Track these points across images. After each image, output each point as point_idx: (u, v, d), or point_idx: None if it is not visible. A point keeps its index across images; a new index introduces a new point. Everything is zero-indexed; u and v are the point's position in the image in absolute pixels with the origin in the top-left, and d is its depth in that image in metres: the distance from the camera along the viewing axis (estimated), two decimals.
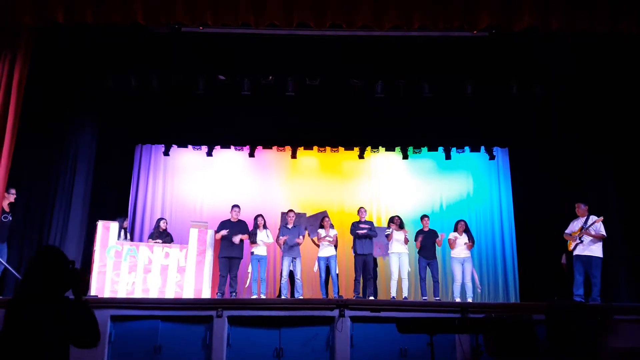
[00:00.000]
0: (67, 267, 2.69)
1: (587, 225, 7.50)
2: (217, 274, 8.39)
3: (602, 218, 7.48)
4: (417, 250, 8.80)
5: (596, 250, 7.45)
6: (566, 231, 7.83)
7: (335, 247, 8.69)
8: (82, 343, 2.62)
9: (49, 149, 8.28)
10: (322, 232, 8.68)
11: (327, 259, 8.54)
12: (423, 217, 9.05)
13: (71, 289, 2.69)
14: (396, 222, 8.71)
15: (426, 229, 8.82)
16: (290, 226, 8.63)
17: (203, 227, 8.62)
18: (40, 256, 2.73)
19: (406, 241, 8.64)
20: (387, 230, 8.75)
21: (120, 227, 8.42)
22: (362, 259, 8.53)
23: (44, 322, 2.54)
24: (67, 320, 2.57)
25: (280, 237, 8.55)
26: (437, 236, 8.79)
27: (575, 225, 7.73)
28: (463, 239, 8.63)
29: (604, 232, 7.46)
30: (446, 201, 10.84)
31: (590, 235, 7.45)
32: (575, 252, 7.60)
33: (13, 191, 7.23)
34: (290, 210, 8.92)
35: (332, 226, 8.78)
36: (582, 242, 7.51)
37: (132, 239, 9.37)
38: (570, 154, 9.21)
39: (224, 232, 8.38)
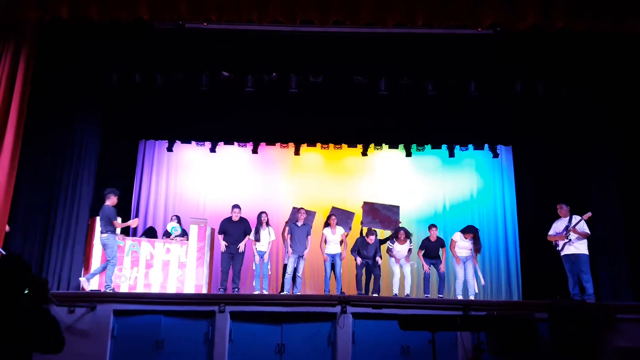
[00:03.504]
0: (27, 276, 2.70)
1: (572, 224, 7.54)
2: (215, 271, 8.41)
3: (589, 214, 7.51)
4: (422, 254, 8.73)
5: (582, 248, 7.53)
6: (550, 232, 7.87)
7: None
8: (45, 350, 2.64)
9: (52, 144, 8.28)
10: (327, 231, 8.67)
11: (333, 256, 8.55)
12: (431, 226, 8.83)
13: (33, 297, 2.68)
14: (401, 236, 8.54)
15: (433, 239, 8.68)
16: (300, 224, 8.62)
17: (202, 223, 8.66)
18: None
19: (409, 252, 8.61)
20: (390, 244, 8.64)
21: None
22: (364, 261, 8.56)
23: (4, 330, 2.53)
24: (29, 329, 2.57)
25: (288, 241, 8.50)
26: (444, 245, 8.72)
27: (558, 226, 7.77)
28: (466, 242, 8.50)
29: (587, 231, 7.53)
30: (449, 199, 10.83)
31: (576, 233, 7.50)
32: (563, 253, 7.65)
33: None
34: (302, 208, 8.91)
35: (338, 224, 8.76)
36: (570, 240, 7.55)
37: (133, 234, 9.41)
38: (573, 152, 9.18)
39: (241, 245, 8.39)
